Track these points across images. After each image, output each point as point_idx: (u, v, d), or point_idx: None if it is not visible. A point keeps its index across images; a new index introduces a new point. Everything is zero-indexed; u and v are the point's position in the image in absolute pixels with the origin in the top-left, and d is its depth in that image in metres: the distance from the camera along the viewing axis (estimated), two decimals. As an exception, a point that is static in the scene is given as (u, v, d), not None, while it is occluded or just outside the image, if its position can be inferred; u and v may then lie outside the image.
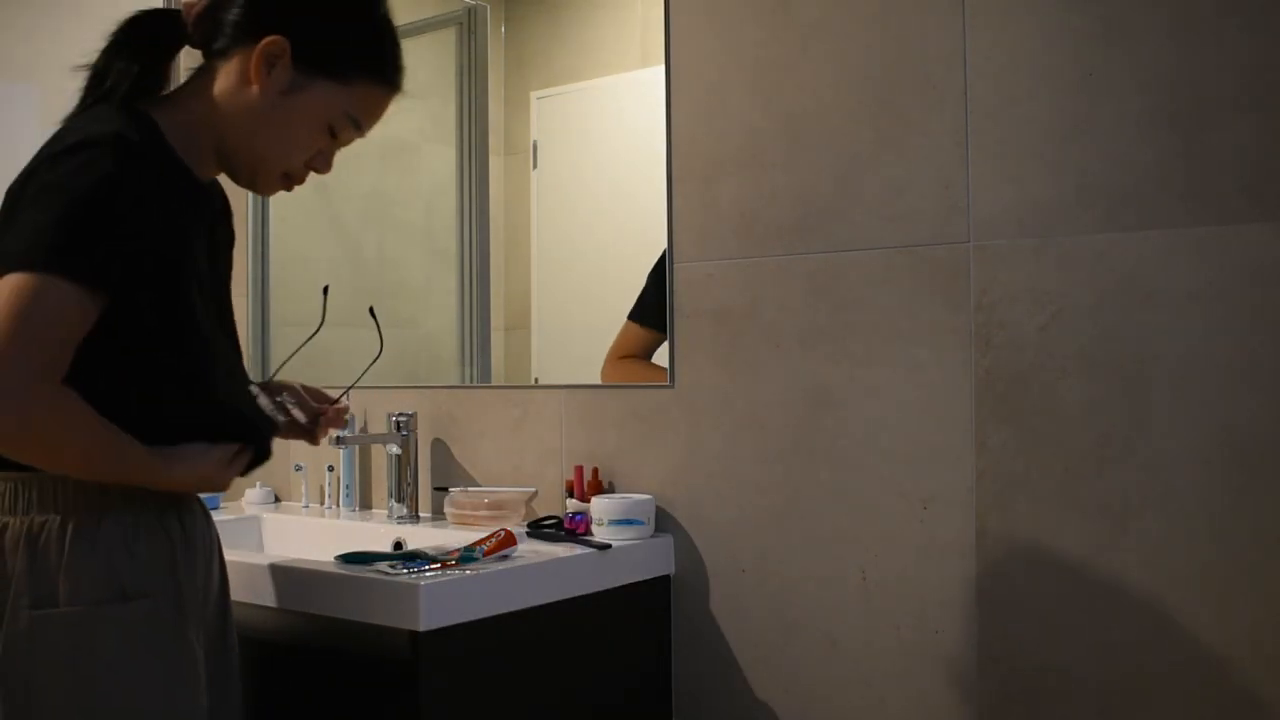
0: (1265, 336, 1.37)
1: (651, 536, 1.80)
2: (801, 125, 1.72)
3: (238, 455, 1.30)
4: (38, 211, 1.13)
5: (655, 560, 1.81)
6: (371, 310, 1.72)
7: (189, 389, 1.26)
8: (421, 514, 2.09)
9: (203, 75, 1.31)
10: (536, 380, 2.07)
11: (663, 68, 1.85)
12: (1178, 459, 1.42)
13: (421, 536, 1.93)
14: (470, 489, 2.02)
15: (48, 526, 1.20)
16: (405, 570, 1.50)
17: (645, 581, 1.79)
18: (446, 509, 1.98)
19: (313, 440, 1.55)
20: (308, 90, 1.29)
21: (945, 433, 1.58)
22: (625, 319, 1.95)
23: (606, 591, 1.71)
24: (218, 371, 1.31)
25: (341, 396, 1.58)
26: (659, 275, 1.86)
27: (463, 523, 1.94)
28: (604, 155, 1.97)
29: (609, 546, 1.72)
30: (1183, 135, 1.42)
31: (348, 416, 1.67)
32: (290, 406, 1.51)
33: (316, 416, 1.53)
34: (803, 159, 1.71)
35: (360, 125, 1.36)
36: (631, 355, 1.95)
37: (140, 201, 1.16)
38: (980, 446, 1.56)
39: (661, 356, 1.86)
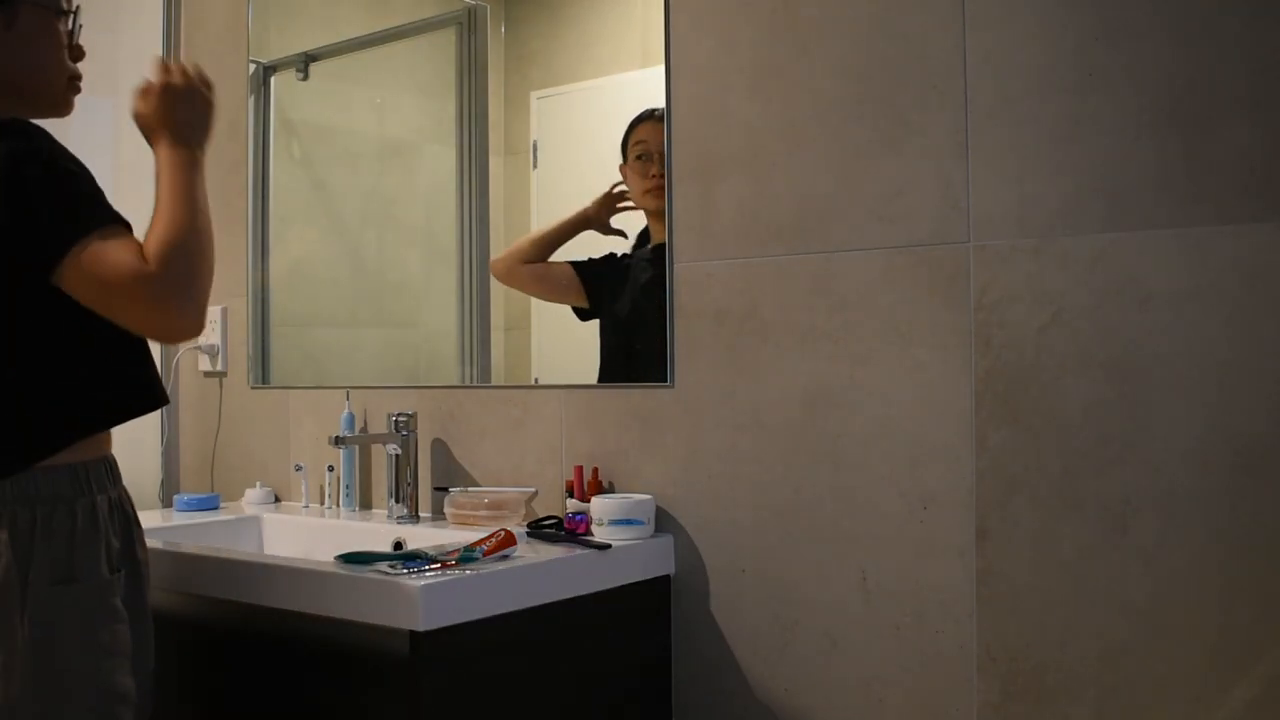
0: (1265, 336, 1.36)
1: (651, 536, 1.80)
2: (801, 125, 1.72)
3: None
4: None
5: (655, 560, 1.81)
6: None
7: None
8: (421, 514, 2.09)
9: None
10: (536, 380, 2.07)
11: (663, 68, 1.86)
12: (1178, 459, 1.42)
13: (421, 536, 1.93)
14: (470, 489, 2.02)
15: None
16: (405, 570, 1.50)
17: (645, 581, 1.79)
18: (446, 509, 1.98)
19: None
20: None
21: (945, 433, 1.58)
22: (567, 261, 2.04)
23: (606, 591, 1.71)
24: None
25: None
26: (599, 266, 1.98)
27: (463, 523, 1.94)
28: (604, 155, 1.97)
29: (609, 546, 1.72)
30: (1183, 135, 1.42)
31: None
32: None
33: None
34: (803, 159, 1.71)
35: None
36: (541, 276, 2.06)
37: None
38: (980, 446, 1.56)
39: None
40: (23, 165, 1.28)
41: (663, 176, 1.87)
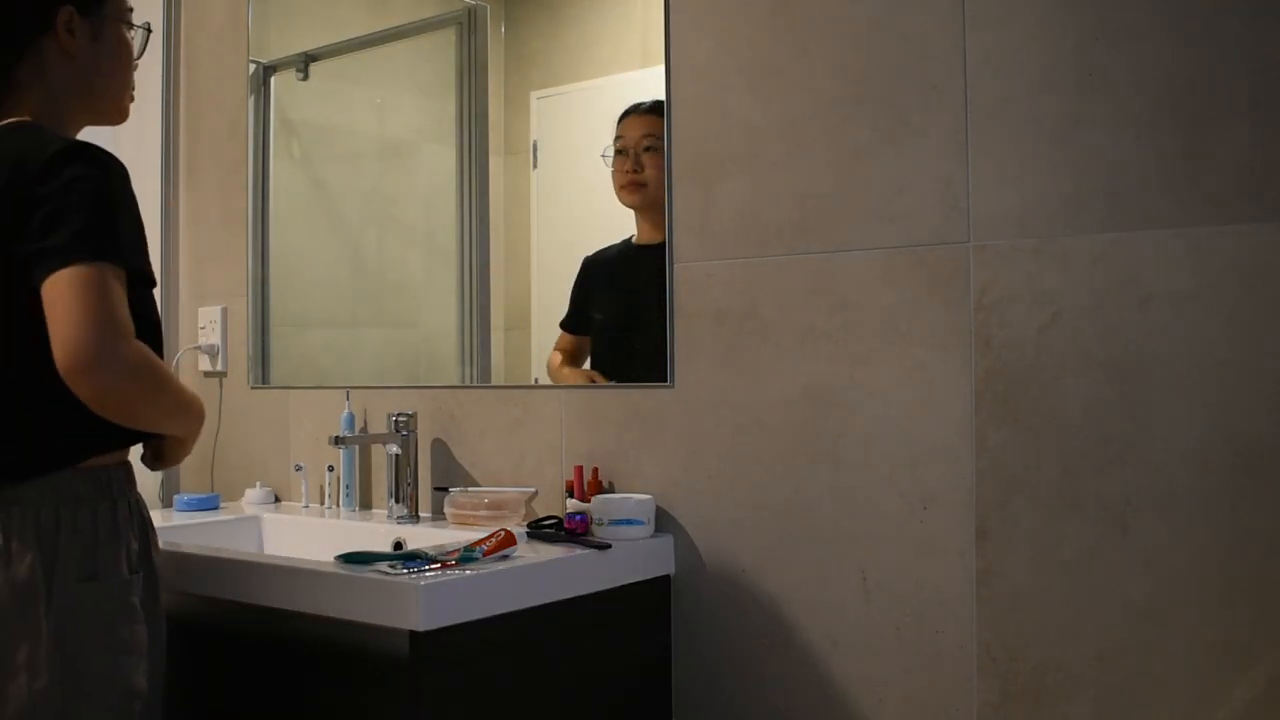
0: (1265, 336, 1.36)
1: (651, 536, 1.80)
2: (801, 125, 1.72)
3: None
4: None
5: (655, 560, 1.81)
6: None
7: None
8: (421, 514, 2.09)
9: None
10: (536, 380, 2.07)
11: (663, 68, 1.86)
12: (1178, 459, 1.42)
13: (421, 536, 1.93)
14: (470, 489, 2.02)
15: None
16: (405, 570, 1.50)
17: (645, 581, 1.79)
18: (446, 509, 1.98)
19: None
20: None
21: (945, 433, 1.58)
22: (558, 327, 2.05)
23: (606, 591, 1.71)
24: None
25: None
26: (580, 282, 2.01)
27: (463, 523, 1.94)
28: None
29: (609, 546, 1.72)
30: (1183, 135, 1.42)
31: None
32: None
33: None
34: (803, 159, 1.71)
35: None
36: (567, 363, 2.04)
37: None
38: (980, 446, 1.56)
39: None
40: (81, 182, 1.29)
41: (637, 172, 1.88)
